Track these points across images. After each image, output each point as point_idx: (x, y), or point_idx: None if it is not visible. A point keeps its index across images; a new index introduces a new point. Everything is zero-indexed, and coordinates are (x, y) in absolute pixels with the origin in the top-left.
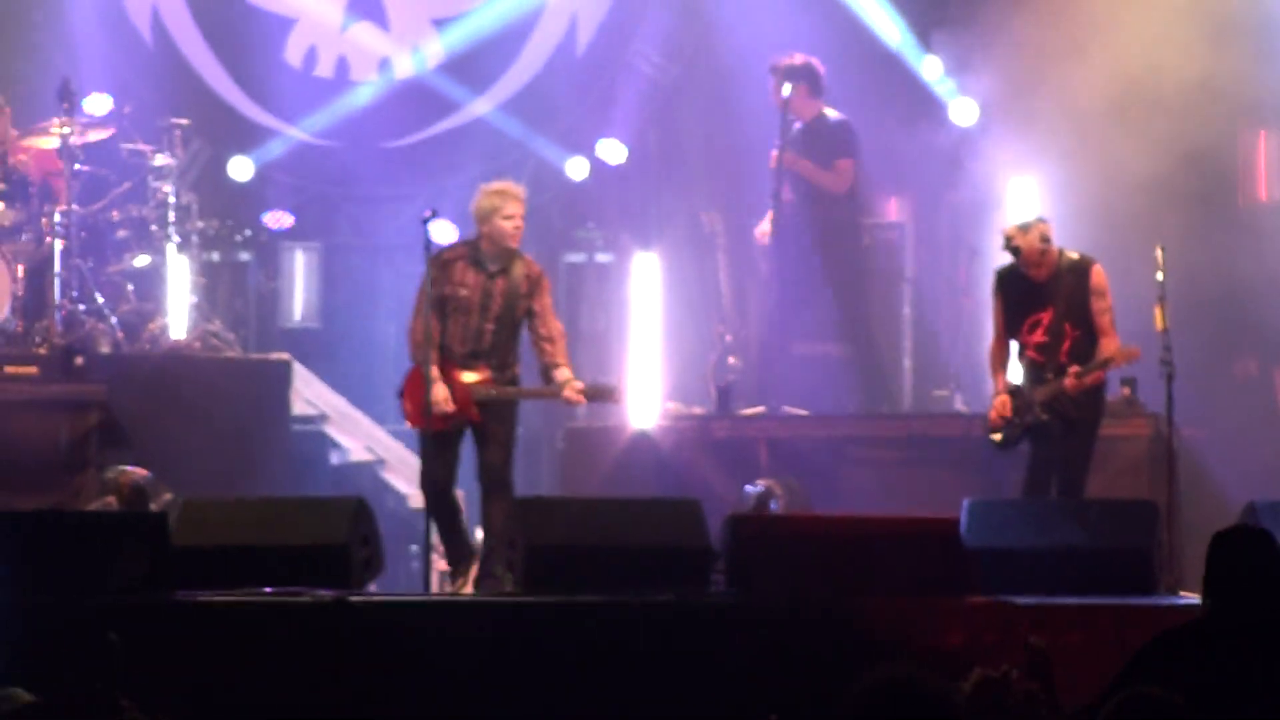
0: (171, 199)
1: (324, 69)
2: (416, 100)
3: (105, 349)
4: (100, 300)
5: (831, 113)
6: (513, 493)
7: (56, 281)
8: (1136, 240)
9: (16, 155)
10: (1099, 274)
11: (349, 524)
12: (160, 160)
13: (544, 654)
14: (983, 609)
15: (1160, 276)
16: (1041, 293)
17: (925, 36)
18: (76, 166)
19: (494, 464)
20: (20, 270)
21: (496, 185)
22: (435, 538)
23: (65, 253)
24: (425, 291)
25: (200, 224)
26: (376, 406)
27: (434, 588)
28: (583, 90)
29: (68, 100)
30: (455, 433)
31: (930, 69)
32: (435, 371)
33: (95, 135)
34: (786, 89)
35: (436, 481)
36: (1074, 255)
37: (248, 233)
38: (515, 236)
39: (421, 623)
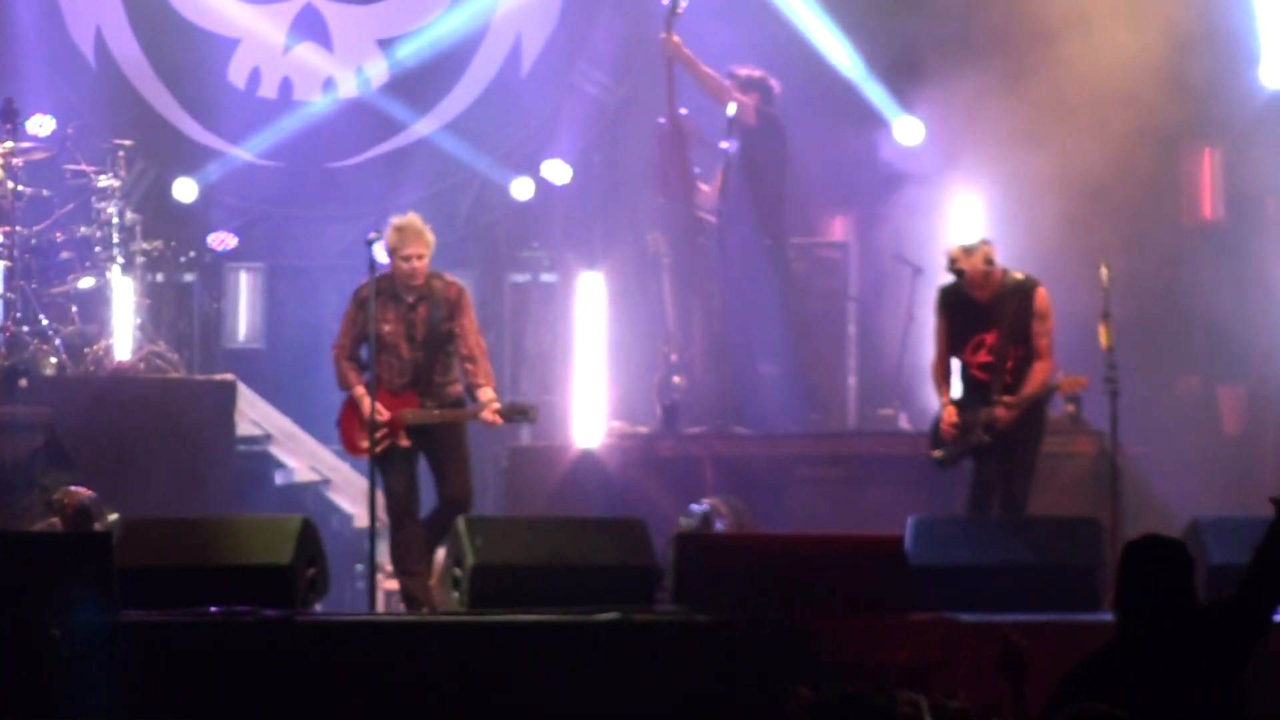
0: (115, 220)
1: (268, 89)
2: (361, 121)
3: (50, 370)
4: (44, 321)
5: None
6: None
7: (0, 303)
8: (1080, 258)
9: None
10: (1043, 296)
11: (295, 544)
12: (104, 181)
13: (490, 673)
14: (928, 626)
15: (1105, 294)
16: (986, 313)
17: (873, 62)
18: (20, 188)
19: (456, 498)
20: None
21: (398, 221)
22: (381, 557)
23: (9, 274)
24: (350, 317)
25: (144, 245)
26: (321, 427)
27: (380, 607)
28: (527, 110)
29: (10, 121)
30: (402, 454)
31: (875, 90)
32: (361, 391)
33: (38, 156)
34: (732, 109)
35: (407, 505)
36: (1019, 276)
37: (192, 254)
38: (414, 276)
39: (368, 642)
